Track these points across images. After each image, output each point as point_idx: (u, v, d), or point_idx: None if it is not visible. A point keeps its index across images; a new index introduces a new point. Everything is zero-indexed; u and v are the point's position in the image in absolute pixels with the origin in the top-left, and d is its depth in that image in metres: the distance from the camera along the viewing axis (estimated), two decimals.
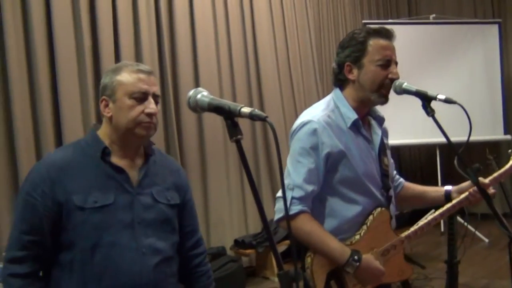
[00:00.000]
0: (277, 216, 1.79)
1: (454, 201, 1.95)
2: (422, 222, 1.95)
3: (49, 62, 3.44)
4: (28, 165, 3.22)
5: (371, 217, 1.82)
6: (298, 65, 5.33)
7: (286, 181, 1.77)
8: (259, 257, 4.57)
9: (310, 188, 1.75)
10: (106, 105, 1.59)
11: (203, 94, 1.17)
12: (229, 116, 1.11)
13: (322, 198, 1.81)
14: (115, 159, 1.59)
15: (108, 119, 1.59)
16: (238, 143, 1.09)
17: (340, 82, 1.86)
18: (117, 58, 3.81)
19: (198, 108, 1.17)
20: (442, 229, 5.58)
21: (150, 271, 1.56)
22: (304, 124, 1.79)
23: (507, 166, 2.02)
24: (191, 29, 4.39)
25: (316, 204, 1.81)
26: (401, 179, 2.13)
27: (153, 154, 1.68)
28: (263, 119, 1.05)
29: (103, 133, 1.62)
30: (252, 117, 1.08)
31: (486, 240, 5.16)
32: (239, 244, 4.45)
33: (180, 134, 4.29)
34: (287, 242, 4.34)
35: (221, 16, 4.61)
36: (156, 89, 1.59)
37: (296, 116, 5.83)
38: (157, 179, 1.66)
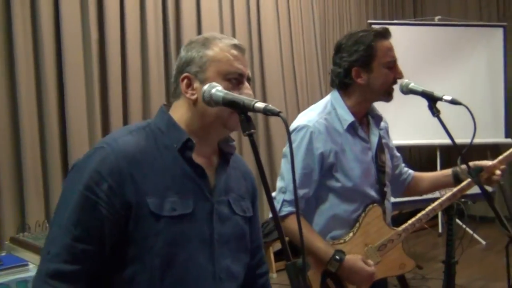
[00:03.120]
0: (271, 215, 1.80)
1: (449, 193, 1.99)
2: (420, 214, 1.99)
3: (55, 54, 3.46)
4: (32, 162, 3.27)
5: (363, 214, 1.85)
6: (302, 63, 5.35)
7: (279, 184, 1.84)
8: None
9: (301, 192, 1.80)
10: (189, 85, 1.25)
11: (217, 89, 1.18)
12: (243, 111, 1.11)
13: (317, 196, 1.85)
14: (193, 156, 1.25)
15: (191, 102, 1.25)
16: (251, 137, 1.09)
17: (345, 85, 1.85)
18: (123, 50, 3.84)
19: (212, 102, 1.18)
20: (440, 230, 5.61)
21: None
22: (299, 129, 1.81)
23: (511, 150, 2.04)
24: (197, 25, 4.40)
25: (311, 201, 1.85)
26: (410, 170, 2.17)
27: (234, 153, 1.36)
28: (276, 114, 1.06)
29: (179, 118, 1.27)
30: (266, 112, 1.08)
31: (484, 242, 5.19)
32: None
33: None
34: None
35: (227, 14, 4.62)
36: (249, 72, 1.31)
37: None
38: (233, 184, 1.35)
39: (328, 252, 1.75)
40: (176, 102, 1.29)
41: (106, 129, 3.68)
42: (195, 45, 1.28)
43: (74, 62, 3.51)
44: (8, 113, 3.26)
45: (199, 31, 4.39)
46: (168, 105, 1.32)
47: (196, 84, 1.24)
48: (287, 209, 1.78)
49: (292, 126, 1.85)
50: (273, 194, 1.83)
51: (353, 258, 1.77)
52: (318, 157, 1.79)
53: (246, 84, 1.27)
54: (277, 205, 1.79)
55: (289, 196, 1.78)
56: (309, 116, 1.85)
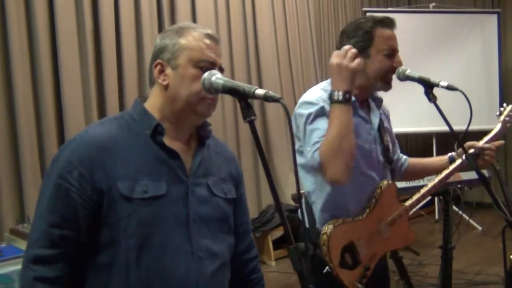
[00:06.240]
0: (316, 169, 1.75)
1: (447, 170, 2.03)
2: (423, 190, 2.05)
3: (50, 45, 3.45)
4: (30, 155, 3.27)
5: (378, 190, 1.88)
6: (297, 52, 5.35)
7: (305, 153, 1.77)
8: (256, 241, 4.61)
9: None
10: (162, 71, 1.31)
11: (217, 76, 1.19)
12: (243, 98, 1.12)
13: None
14: (167, 140, 1.30)
15: (163, 87, 1.30)
16: (252, 124, 1.10)
17: None
18: (118, 42, 3.83)
19: (212, 89, 1.19)
20: (437, 217, 5.66)
21: (208, 280, 1.29)
22: (302, 104, 1.83)
23: (496, 129, 2.11)
24: (192, 14, 4.39)
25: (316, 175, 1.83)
26: (405, 156, 2.20)
27: (210, 137, 1.41)
28: (277, 100, 1.07)
29: (152, 105, 1.33)
30: (266, 98, 1.09)
31: (480, 228, 5.24)
32: None
33: None
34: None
35: (221, 3, 4.61)
36: (222, 61, 1.34)
37: (295, 103, 5.85)
38: (212, 167, 1.39)
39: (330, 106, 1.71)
40: (151, 90, 1.35)
41: None
42: (169, 33, 1.33)
43: (69, 53, 3.50)
44: (4, 106, 3.25)
45: (194, 19, 4.38)
46: (143, 97, 1.38)
47: (168, 70, 1.30)
48: (315, 152, 1.71)
49: (298, 104, 1.85)
50: (305, 152, 1.77)
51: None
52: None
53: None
54: (311, 162, 1.74)
55: (315, 147, 1.72)
56: (311, 94, 1.85)
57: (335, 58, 1.70)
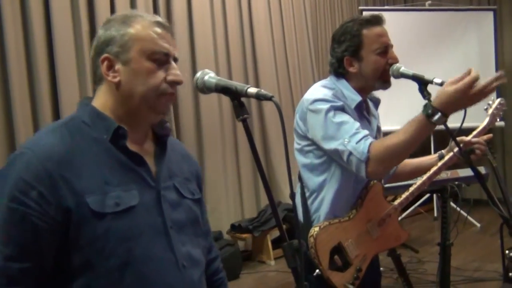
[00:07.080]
0: (359, 161, 1.66)
1: (435, 167, 2.03)
2: (412, 188, 2.06)
3: (47, 47, 3.45)
4: None
5: (364, 190, 1.88)
6: (294, 51, 5.35)
7: (334, 147, 1.72)
8: (255, 241, 4.63)
9: (365, 131, 1.71)
10: (110, 67, 1.15)
11: (210, 76, 1.18)
12: (236, 97, 1.10)
13: (325, 168, 1.83)
14: (127, 144, 1.16)
15: (114, 85, 1.15)
16: (245, 122, 1.09)
17: (341, 74, 1.87)
18: None
19: (205, 89, 1.18)
20: (435, 214, 5.66)
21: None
22: (315, 101, 1.78)
23: (484, 123, 2.11)
24: (188, 14, 4.39)
25: (319, 171, 1.83)
26: None
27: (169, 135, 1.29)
28: (269, 99, 1.06)
29: (102, 106, 1.17)
30: (258, 97, 1.08)
31: (478, 225, 5.25)
32: (235, 228, 4.50)
33: (177, 119, 4.31)
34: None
35: (218, 2, 4.61)
36: (177, 51, 1.21)
37: (292, 100, 5.75)
38: (174, 167, 1.27)
39: (418, 117, 1.62)
40: (98, 88, 1.19)
41: None
42: (114, 23, 1.17)
43: (66, 55, 3.50)
44: (1, 108, 3.25)
45: (190, 20, 4.38)
46: (89, 97, 1.23)
47: (118, 66, 1.15)
48: (364, 146, 1.66)
49: (306, 102, 1.81)
50: (335, 146, 1.71)
51: (439, 92, 1.59)
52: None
53: (173, 64, 1.19)
54: (354, 153, 1.66)
55: (355, 138, 1.68)
56: (319, 91, 1.82)
57: (469, 88, 1.58)
